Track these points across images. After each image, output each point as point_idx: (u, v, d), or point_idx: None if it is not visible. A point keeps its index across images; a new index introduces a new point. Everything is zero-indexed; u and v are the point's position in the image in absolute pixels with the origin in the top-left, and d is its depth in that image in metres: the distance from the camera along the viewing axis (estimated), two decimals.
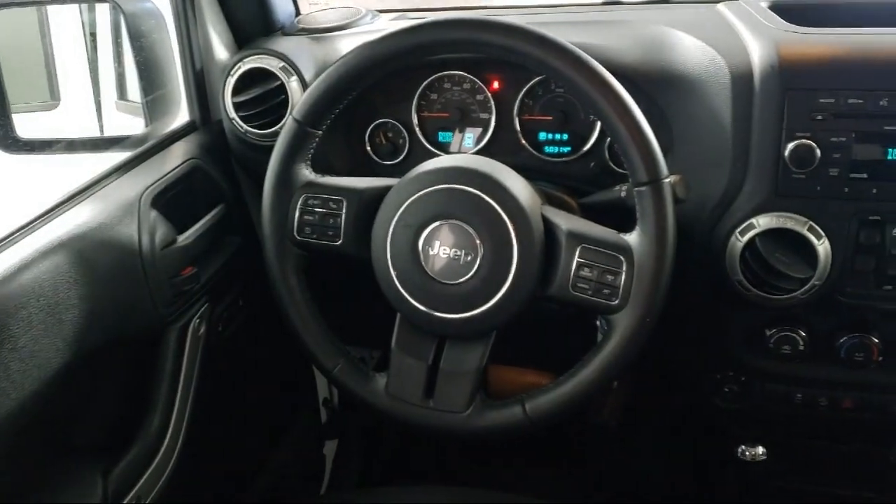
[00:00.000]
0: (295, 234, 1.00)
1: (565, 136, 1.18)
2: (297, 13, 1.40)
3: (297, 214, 1.00)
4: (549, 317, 1.20)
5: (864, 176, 0.98)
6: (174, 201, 1.13)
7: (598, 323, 1.12)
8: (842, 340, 1.10)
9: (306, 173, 1.01)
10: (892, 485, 1.14)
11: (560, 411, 0.93)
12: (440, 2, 1.67)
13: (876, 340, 1.08)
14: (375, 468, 1.82)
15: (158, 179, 1.11)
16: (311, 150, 1.01)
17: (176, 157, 1.18)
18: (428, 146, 1.24)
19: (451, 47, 0.94)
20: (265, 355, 1.47)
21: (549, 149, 1.19)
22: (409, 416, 0.99)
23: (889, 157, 0.97)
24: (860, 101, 0.97)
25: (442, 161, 0.96)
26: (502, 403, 0.96)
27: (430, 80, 1.22)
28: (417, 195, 0.94)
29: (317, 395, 1.77)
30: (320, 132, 1.00)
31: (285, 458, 1.60)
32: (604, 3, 1.41)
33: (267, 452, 1.56)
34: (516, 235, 0.90)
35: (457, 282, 0.92)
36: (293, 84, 1.19)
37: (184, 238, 1.12)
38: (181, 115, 1.29)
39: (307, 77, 1.20)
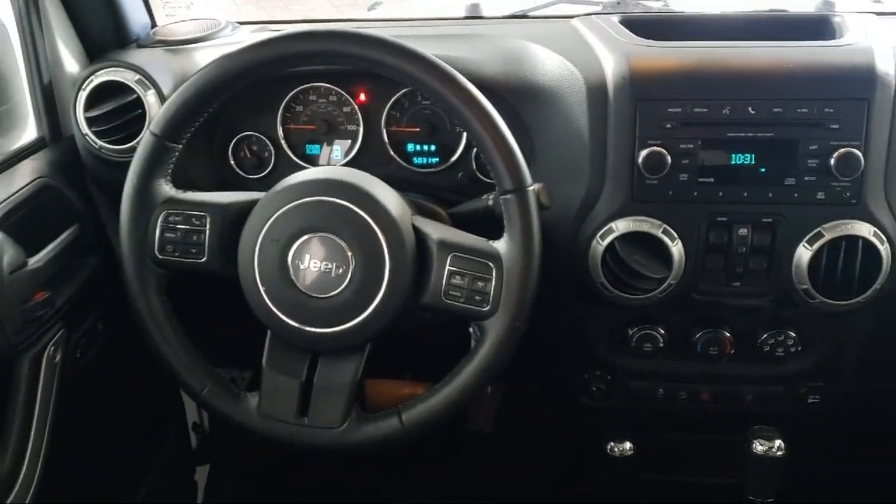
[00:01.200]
0: (156, 252, 0.97)
1: (433, 148, 1.20)
2: (153, 24, 1.35)
3: (157, 232, 0.96)
4: (424, 326, 1.20)
5: (711, 180, 1.05)
6: (23, 222, 1.07)
7: (471, 330, 1.14)
8: (697, 336, 1.17)
9: (166, 189, 0.98)
10: (747, 470, 1.21)
11: (436, 420, 0.94)
12: (302, 15, 1.66)
13: (728, 335, 1.16)
14: (250, 491, 1.77)
15: (5, 200, 1.04)
16: (171, 165, 0.98)
17: (24, 176, 1.11)
18: (295, 159, 1.22)
19: (314, 59, 0.94)
20: (129, 381, 1.40)
21: (417, 160, 1.20)
22: (283, 435, 0.97)
23: (732, 162, 1.04)
24: (705, 110, 1.03)
25: (310, 173, 0.95)
26: (378, 416, 0.95)
27: (294, 92, 1.20)
28: (285, 208, 0.92)
29: (186, 419, 1.70)
30: (180, 146, 0.97)
31: (155, 487, 1.53)
32: (465, 18, 1.44)
33: (135, 482, 1.49)
34: (388, 246, 0.90)
35: (329, 295, 0.91)
36: (150, 97, 1.15)
37: (35, 261, 1.06)
38: (29, 132, 1.22)
39: (165, 90, 1.16)
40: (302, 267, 0.92)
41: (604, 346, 1.23)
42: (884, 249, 1.02)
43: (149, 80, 1.15)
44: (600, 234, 1.07)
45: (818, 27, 1.17)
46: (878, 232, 1.02)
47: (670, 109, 1.03)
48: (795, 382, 1.22)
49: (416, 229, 0.93)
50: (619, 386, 1.26)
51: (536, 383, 1.58)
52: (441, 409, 0.93)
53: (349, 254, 0.90)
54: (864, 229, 1.02)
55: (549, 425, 1.69)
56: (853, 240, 1.02)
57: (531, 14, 1.43)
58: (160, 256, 0.97)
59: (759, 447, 1.17)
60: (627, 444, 1.27)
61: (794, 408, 1.24)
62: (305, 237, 0.91)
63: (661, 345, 1.17)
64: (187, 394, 1.00)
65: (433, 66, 0.90)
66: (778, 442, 1.17)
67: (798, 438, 1.20)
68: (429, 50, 0.92)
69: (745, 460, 1.20)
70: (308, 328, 0.92)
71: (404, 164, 1.20)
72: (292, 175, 0.96)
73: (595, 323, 1.22)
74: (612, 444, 1.28)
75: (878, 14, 1.22)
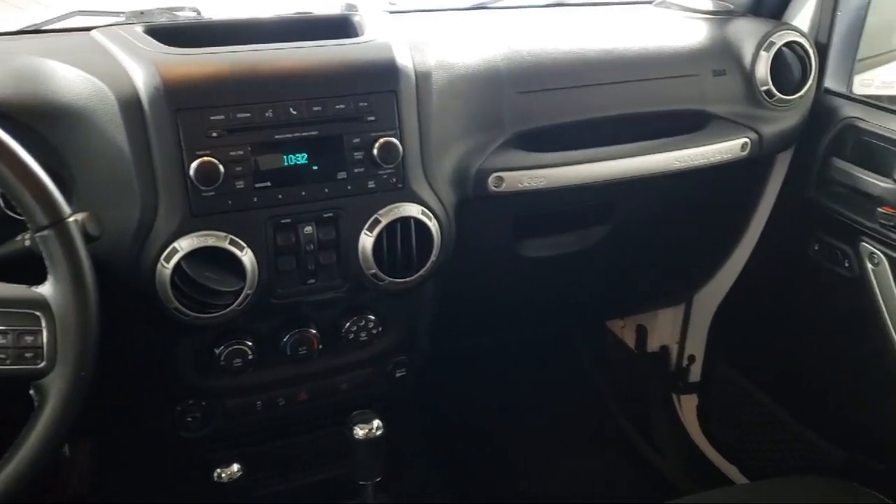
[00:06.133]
0: None
1: None
2: None
3: None
4: None
5: (268, 184, 1.04)
6: None
7: (31, 392, 0.99)
8: (285, 339, 1.17)
9: None
10: (353, 456, 1.25)
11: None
12: None
13: (314, 331, 1.18)
14: None
15: None
16: None
17: None
18: None
19: None
20: None
21: None
22: None
23: (286, 164, 1.05)
24: (248, 115, 1.02)
25: None
26: None
27: None
28: None
29: None
30: None
31: None
32: None
33: None
34: None
35: None
36: None
37: None
38: None
39: None
40: None
41: (192, 373, 1.17)
42: (433, 225, 1.12)
43: None
44: (164, 255, 1.00)
45: (342, 27, 1.23)
46: (426, 210, 1.12)
47: (213, 117, 1.00)
48: (382, 361, 1.29)
49: None
50: (216, 409, 1.21)
51: (130, 428, 1.46)
52: (4, 490, 0.80)
53: None
54: (414, 209, 1.11)
55: (155, 468, 1.58)
56: (406, 221, 1.10)
57: (45, 28, 1.28)
58: None
59: (359, 432, 1.21)
60: (235, 467, 1.22)
61: (384, 385, 1.31)
62: None
63: (251, 357, 1.14)
64: None
65: None
66: (376, 422, 1.22)
67: (394, 415, 1.27)
68: None
69: (350, 447, 1.23)
70: None
71: None
72: None
73: (178, 350, 1.15)
74: (218, 470, 1.22)
75: (392, 13, 1.33)
